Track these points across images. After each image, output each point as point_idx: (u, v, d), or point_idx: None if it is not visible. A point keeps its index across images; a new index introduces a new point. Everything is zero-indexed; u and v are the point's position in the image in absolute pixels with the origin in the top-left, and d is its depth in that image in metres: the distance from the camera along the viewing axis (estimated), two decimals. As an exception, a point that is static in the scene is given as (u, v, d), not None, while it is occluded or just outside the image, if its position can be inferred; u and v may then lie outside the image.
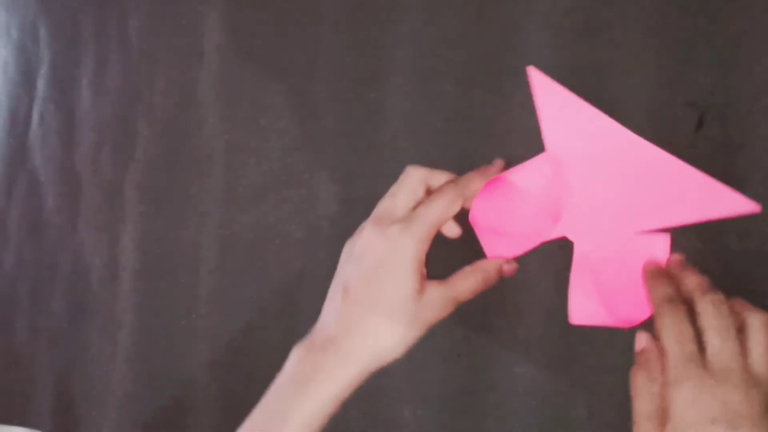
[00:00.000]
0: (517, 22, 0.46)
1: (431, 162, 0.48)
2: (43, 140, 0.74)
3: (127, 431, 0.64)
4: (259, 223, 0.57)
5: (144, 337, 0.63)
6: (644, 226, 0.38)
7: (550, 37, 0.45)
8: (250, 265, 0.57)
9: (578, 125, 0.39)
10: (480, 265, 0.40)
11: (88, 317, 0.68)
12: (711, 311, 0.33)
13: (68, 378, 0.69)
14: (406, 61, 0.50)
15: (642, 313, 0.39)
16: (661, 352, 0.33)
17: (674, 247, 0.38)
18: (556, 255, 0.43)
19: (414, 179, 0.40)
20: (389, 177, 0.50)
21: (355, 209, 0.52)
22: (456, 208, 0.39)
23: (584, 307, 0.41)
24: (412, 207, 0.40)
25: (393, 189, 0.41)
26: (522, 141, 0.44)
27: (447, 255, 0.40)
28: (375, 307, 0.37)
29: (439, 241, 0.39)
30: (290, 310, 0.55)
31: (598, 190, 0.39)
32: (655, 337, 0.34)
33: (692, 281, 0.36)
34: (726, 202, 0.36)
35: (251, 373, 0.56)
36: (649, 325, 0.36)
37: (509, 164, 0.42)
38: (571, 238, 0.41)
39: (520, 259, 0.44)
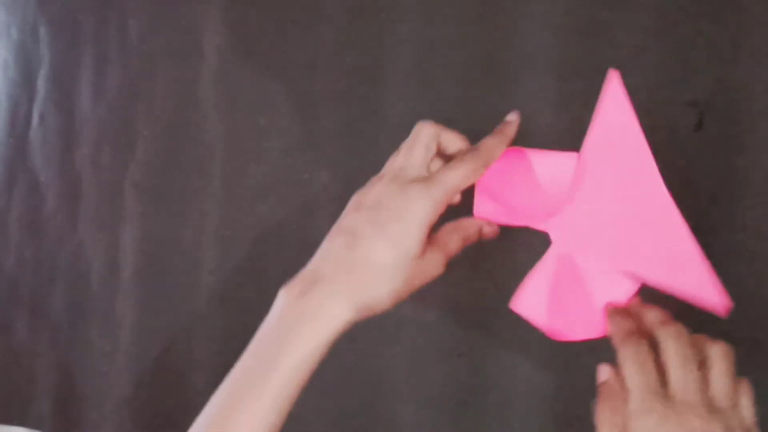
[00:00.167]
0: (517, 22, 0.46)
1: (431, 162, 0.48)
2: (43, 140, 0.74)
3: (127, 431, 0.64)
4: (259, 223, 0.57)
5: (144, 337, 0.63)
6: (622, 265, 0.39)
7: (550, 37, 0.45)
8: (250, 265, 0.57)
9: (624, 154, 0.38)
10: (462, 223, 0.40)
11: (88, 317, 0.68)
12: (672, 343, 0.33)
13: (68, 378, 0.69)
14: (406, 61, 0.50)
15: (573, 333, 0.40)
16: (624, 385, 0.34)
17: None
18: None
19: (428, 135, 0.40)
20: (389, 177, 0.50)
21: (355, 209, 0.52)
22: (477, 177, 0.38)
23: (530, 301, 0.41)
24: (427, 164, 0.40)
25: (407, 144, 0.41)
26: (522, 141, 0.44)
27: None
28: (379, 257, 0.36)
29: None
30: (290, 310, 0.54)
31: (601, 213, 0.39)
32: (618, 369, 0.35)
33: (653, 315, 0.36)
34: (706, 293, 0.36)
35: (251, 373, 0.56)
36: (606, 355, 0.36)
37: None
38: (551, 237, 0.41)
39: (520, 260, 0.44)
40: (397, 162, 0.40)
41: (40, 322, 0.72)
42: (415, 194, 0.37)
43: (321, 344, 0.36)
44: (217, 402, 0.37)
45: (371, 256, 0.36)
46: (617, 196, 0.38)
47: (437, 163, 0.41)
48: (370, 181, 0.41)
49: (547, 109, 0.45)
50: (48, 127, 0.74)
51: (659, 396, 0.32)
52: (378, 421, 0.50)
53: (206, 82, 0.60)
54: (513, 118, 0.42)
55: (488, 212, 0.42)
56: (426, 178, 0.38)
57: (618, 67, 0.42)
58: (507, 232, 0.44)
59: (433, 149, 0.40)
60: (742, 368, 0.34)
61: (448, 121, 0.48)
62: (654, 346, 0.34)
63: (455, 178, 0.38)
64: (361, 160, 0.52)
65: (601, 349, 0.41)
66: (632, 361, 0.34)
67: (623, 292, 0.39)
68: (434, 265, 0.38)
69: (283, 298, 0.37)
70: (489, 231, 0.41)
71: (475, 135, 0.47)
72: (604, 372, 0.36)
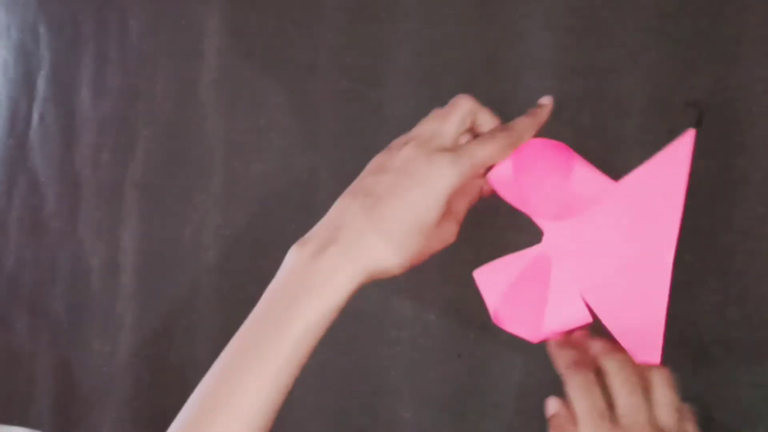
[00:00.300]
0: (517, 22, 0.46)
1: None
2: (43, 140, 0.74)
3: (127, 431, 0.64)
4: (259, 223, 0.57)
5: (144, 337, 0.63)
6: (587, 295, 0.39)
7: (550, 37, 0.45)
8: (250, 265, 0.57)
9: (656, 206, 0.37)
10: (464, 188, 0.39)
11: (88, 317, 0.68)
12: (617, 369, 0.34)
13: (68, 378, 0.69)
14: (406, 61, 0.50)
15: (512, 326, 0.40)
16: (573, 415, 0.34)
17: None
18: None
19: (465, 109, 0.39)
20: (389, 177, 0.50)
21: (355, 209, 0.52)
22: (506, 156, 0.38)
23: (492, 279, 0.41)
24: (458, 136, 0.38)
25: (442, 112, 0.39)
26: (522, 141, 0.44)
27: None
28: (397, 222, 0.35)
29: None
30: (290, 310, 0.55)
31: (600, 242, 0.39)
32: (566, 401, 0.35)
33: (597, 345, 0.36)
34: (647, 345, 0.36)
35: (251, 373, 0.56)
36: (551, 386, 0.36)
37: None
38: (543, 237, 0.41)
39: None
40: (427, 128, 0.39)
41: (40, 322, 0.72)
42: (442, 163, 0.36)
43: (332, 309, 0.35)
44: (224, 362, 0.37)
45: (390, 221, 0.35)
46: (625, 236, 0.38)
47: (465, 138, 0.40)
48: (394, 143, 0.39)
49: (547, 109, 0.45)
50: (48, 127, 0.74)
51: (607, 421, 0.33)
52: (378, 421, 0.50)
53: (206, 82, 0.60)
54: (547, 101, 0.41)
55: (501, 182, 0.41)
56: (454, 149, 0.37)
57: (618, 66, 0.42)
58: (507, 234, 0.44)
59: (468, 124, 0.39)
60: (742, 368, 0.34)
61: (448, 121, 0.48)
62: (599, 375, 0.35)
63: (484, 153, 0.37)
64: (361, 160, 0.52)
65: (601, 349, 0.41)
66: (580, 389, 0.34)
67: (574, 317, 0.39)
68: (448, 234, 0.38)
69: (294, 257, 0.36)
70: (487, 190, 0.41)
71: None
72: (552, 405, 0.36)
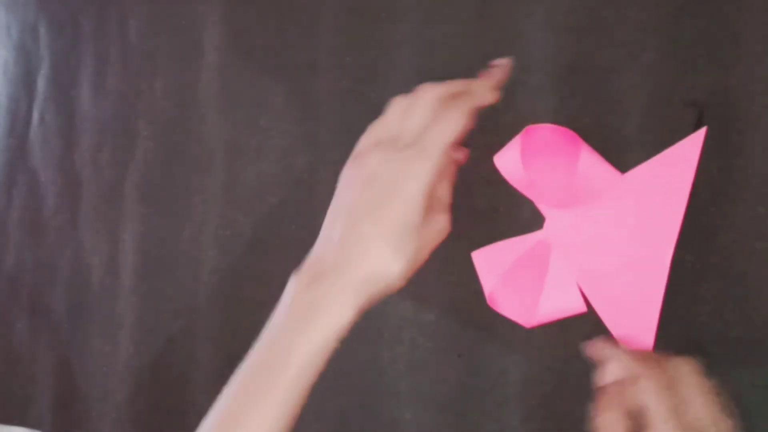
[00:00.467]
0: (517, 22, 0.46)
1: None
2: (43, 140, 0.74)
3: (127, 431, 0.64)
4: (259, 223, 0.57)
5: (144, 337, 0.63)
6: (583, 284, 0.39)
7: (550, 37, 0.45)
8: (250, 265, 0.57)
9: (660, 201, 0.37)
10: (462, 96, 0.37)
11: (88, 317, 0.68)
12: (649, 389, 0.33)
13: (68, 378, 0.69)
14: (406, 61, 0.50)
15: (505, 309, 0.40)
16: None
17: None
18: (556, 255, 0.43)
19: (428, 103, 0.36)
20: (389, 177, 0.50)
21: (355, 209, 0.52)
22: (467, 124, 0.36)
23: (490, 261, 0.41)
24: (426, 127, 0.36)
25: (404, 106, 0.37)
26: (522, 141, 0.44)
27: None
28: (382, 234, 0.34)
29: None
30: (290, 310, 0.54)
31: (602, 233, 0.39)
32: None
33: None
34: (639, 340, 0.37)
35: (251, 373, 0.56)
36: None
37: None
38: (545, 223, 0.41)
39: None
40: (390, 127, 0.37)
41: (40, 322, 0.72)
42: (409, 163, 0.35)
43: (332, 336, 0.35)
44: (228, 396, 0.37)
45: (372, 238, 0.34)
46: (626, 229, 0.38)
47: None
48: (361, 148, 0.38)
49: (547, 108, 0.45)
50: (48, 127, 0.74)
51: None
52: (378, 421, 0.50)
53: (206, 82, 0.60)
54: (503, 62, 0.40)
55: (507, 165, 0.41)
56: (417, 143, 0.35)
57: (617, 66, 0.42)
58: (507, 235, 0.44)
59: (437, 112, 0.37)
60: (741, 368, 0.34)
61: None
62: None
63: (445, 135, 0.35)
64: (361, 160, 0.52)
65: (601, 349, 0.41)
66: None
67: (569, 305, 0.39)
68: (440, 226, 0.37)
69: (292, 287, 0.36)
70: (461, 156, 0.39)
71: (474, 134, 0.47)
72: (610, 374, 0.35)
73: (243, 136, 0.58)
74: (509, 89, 0.46)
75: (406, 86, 0.50)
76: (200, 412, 0.55)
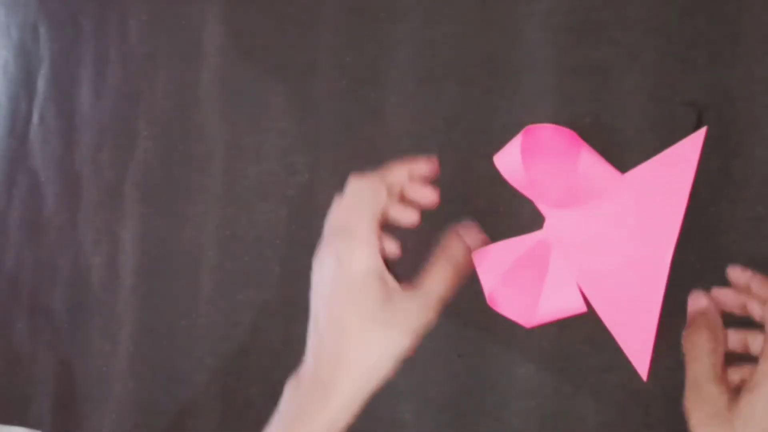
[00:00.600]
0: (517, 22, 0.46)
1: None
2: (43, 140, 0.74)
3: (127, 431, 0.64)
4: (259, 223, 0.57)
5: (144, 337, 0.63)
6: (583, 284, 0.39)
7: (550, 37, 0.45)
8: (250, 265, 0.57)
9: (659, 201, 0.37)
10: (445, 253, 0.37)
11: (88, 317, 0.68)
12: None
13: (68, 378, 0.69)
14: (406, 61, 0.50)
15: (505, 309, 0.40)
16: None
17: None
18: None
19: (372, 201, 0.36)
20: (389, 177, 0.50)
21: (355, 209, 0.52)
22: (383, 196, 0.36)
23: (490, 262, 0.41)
24: (376, 218, 0.36)
25: (353, 199, 0.37)
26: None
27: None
28: (344, 331, 0.34)
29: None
30: (290, 310, 0.55)
31: (601, 232, 0.39)
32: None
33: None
34: (636, 353, 0.36)
35: (251, 373, 0.56)
36: (606, 355, 0.36)
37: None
38: (545, 224, 0.41)
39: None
40: (343, 220, 0.37)
41: (40, 322, 0.72)
42: (343, 254, 0.35)
43: None
44: None
45: (336, 339, 0.34)
46: (626, 229, 0.38)
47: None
48: (324, 236, 0.38)
49: (547, 108, 0.45)
50: (48, 127, 0.74)
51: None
52: (378, 421, 0.50)
53: (206, 82, 0.60)
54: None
55: (507, 165, 0.41)
56: (345, 232, 0.35)
57: (617, 66, 0.42)
58: (508, 233, 0.43)
59: (382, 200, 0.37)
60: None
61: (447, 121, 0.48)
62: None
63: (366, 209, 0.35)
64: (361, 160, 0.52)
65: (602, 349, 0.41)
66: None
67: (569, 305, 0.39)
68: (413, 309, 0.35)
69: (285, 394, 0.36)
70: (473, 243, 0.38)
71: (474, 134, 0.47)
72: (700, 300, 0.34)
73: (243, 136, 0.58)
74: (510, 90, 0.46)
75: (406, 86, 0.50)
76: (200, 412, 0.56)
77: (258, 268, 0.56)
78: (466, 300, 0.47)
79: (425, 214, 0.45)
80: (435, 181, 0.48)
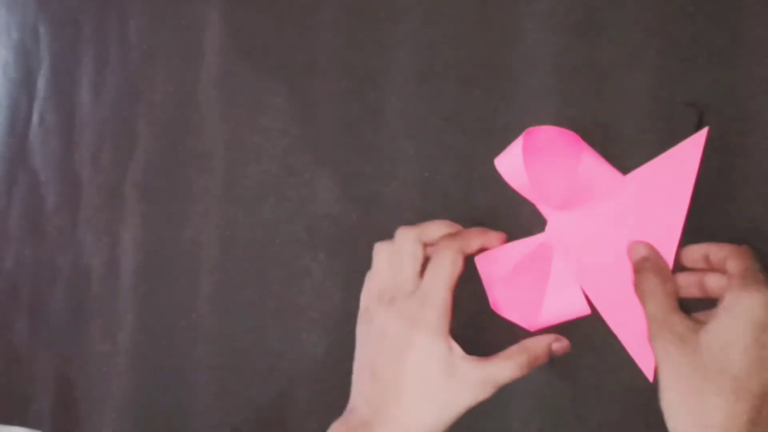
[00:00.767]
0: (517, 22, 0.46)
1: (431, 162, 0.48)
2: (43, 140, 0.74)
3: (127, 431, 0.64)
4: (259, 223, 0.57)
5: (144, 337, 0.63)
6: (585, 286, 0.39)
7: (550, 37, 0.45)
8: (250, 265, 0.57)
9: (662, 203, 0.37)
10: (527, 343, 0.38)
11: (88, 317, 0.68)
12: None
13: (68, 378, 0.69)
14: (406, 61, 0.50)
15: (508, 312, 0.40)
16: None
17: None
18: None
19: (410, 243, 0.38)
20: (389, 177, 0.50)
21: (355, 209, 0.52)
22: (460, 265, 0.37)
23: (493, 266, 0.41)
24: (418, 273, 0.38)
25: (387, 254, 0.39)
26: (522, 141, 0.44)
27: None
28: (405, 388, 0.35)
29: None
30: (290, 310, 0.55)
31: (603, 235, 0.39)
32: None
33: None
34: (639, 353, 0.37)
35: (251, 373, 0.56)
36: (607, 354, 0.36)
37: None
38: (547, 226, 0.41)
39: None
40: (388, 282, 0.38)
41: (40, 322, 0.72)
42: (414, 312, 0.36)
43: None
44: None
45: (395, 396, 0.35)
46: (627, 231, 0.38)
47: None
48: (365, 302, 0.39)
49: (548, 108, 0.45)
50: (48, 127, 0.74)
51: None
52: (378, 421, 0.50)
53: (206, 82, 0.60)
54: (501, 236, 0.41)
55: (508, 168, 0.41)
56: (418, 291, 0.37)
57: (618, 66, 0.42)
58: (510, 236, 0.44)
59: (420, 253, 0.39)
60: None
61: (448, 121, 0.48)
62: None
63: (443, 276, 0.36)
64: (361, 160, 0.52)
65: (602, 349, 0.41)
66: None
67: (573, 307, 0.39)
68: (474, 383, 0.36)
69: None
70: (558, 347, 0.38)
71: (474, 134, 0.47)
72: (641, 249, 0.35)
73: (243, 136, 0.58)
74: (510, 90, 0.46)
75: (406, 86, 0.50)
76: (200, 412, 0.56)
77: (258, 268, 0.56)
78: (466, 300, 0.47)
79: (421, 215, 0.45)
80: (435, 182, 0.48)
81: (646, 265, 0.35)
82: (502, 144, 0.42)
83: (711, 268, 0.35)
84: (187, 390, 0.60)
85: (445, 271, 0.37)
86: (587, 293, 0.39)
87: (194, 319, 0.60)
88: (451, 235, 0.39)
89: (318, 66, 0.54)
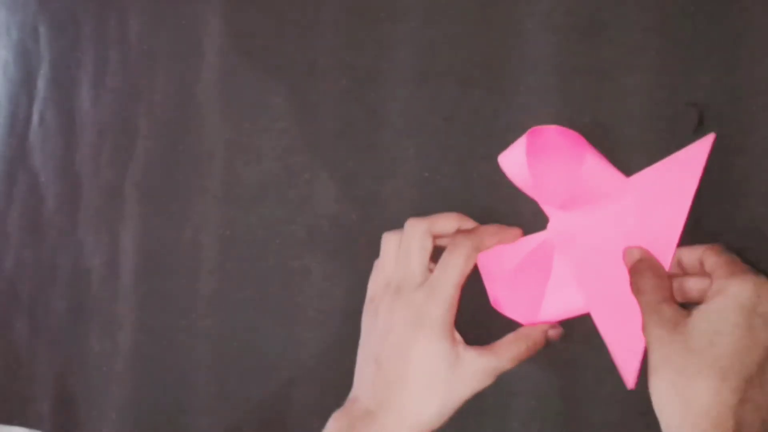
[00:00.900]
0: (517, 22, 0.46)
1: (431, 162, 0.48)
2: (43, 140, 0.74)
3: (127, 431, 0.64)
4: (259, 223, 0.57)
5: (144, 337, 0.63)
6: (583, 287, 0.39)
7: (550, 37, 0.45)
8: (250, 265, 0.57)
9: (663, 207, 0.37)
10: (524, 331, 0.39)
11: (88, 317, 0.68)
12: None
13: (68, 378, 0.69)
14: (406, 61, 0.50)
15: (509, 310, 0.40)
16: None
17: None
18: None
19: (419, 235, 0.39)
20: (389, 177, 0.50)
21: (355, 209, 0.52)
22: (473, 262, 0.38)
23: (494, 265, 0.41)
24: (427, 265, 0.38)
25: (395, 245, 0.39)
26: (522, 141, 0.44)
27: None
28: (409, 380, 0.35)
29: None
30: (290, 310, 0.55)
31: (602, 236, 0.39)
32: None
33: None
34: (624, 361, 0.36)
35: (251, 373, 0.56)
36: (607, 355, 0.36)
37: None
38: (549, 224, 0.41)
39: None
40: (397, 273, 0.38)
41: (40, 322, 0.72)
42: (420, 304, 0.36)
43: None
44: None
45: (399, 386, 0.36)
46: (627, 233, 0.38)
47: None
48: (371, 291, 0.39)
49: (548, 108, 0.45)
50: (48, 127, 0.74)
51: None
52: (378, 421, 0.50)
53: (206, 82, 0.60)
54: (516, 231, 0.41)
55: (512, 165, 0.41)
56: (427, 284, 0.37)
57: (618, 66, 0.42)
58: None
59: (429, 245, 0.39)
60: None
61: (448, 121, 0.48)
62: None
63: (453, 272, 0.37)
64: (361, 160, 0.52)
65: (602, 349, 0.41)
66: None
67: (572, 306, 0.39)
68: (477, 372, 0.37)
69: (333, 428, 0.37)
70: (554, 333, 0.39)
71: (474, 134, 0.47)
72: (635, 253, 0.35)
73: (243, 136, 0.58)
74: (510, 90, 0.46)
75: (406, 86, 0.50)
76: (200, 412, 0.56)
77: (258, 268, 0.56)
78: (467, 300, 0.47)
79: (421, 215, 0.45)
80: (435, 181, 0.48)
81: (641, 265, 0.35)
82: (502, 144, 0.42)
83: (685, 272, 0.36)
84: (187, 390, 0.60)
85: (456, 267, 0.37)
86: (585, 292, 0.39)
87: (194, 319, 0.60)
88: (467, 232, 0.39)
89: (318, 66, 0.54)
